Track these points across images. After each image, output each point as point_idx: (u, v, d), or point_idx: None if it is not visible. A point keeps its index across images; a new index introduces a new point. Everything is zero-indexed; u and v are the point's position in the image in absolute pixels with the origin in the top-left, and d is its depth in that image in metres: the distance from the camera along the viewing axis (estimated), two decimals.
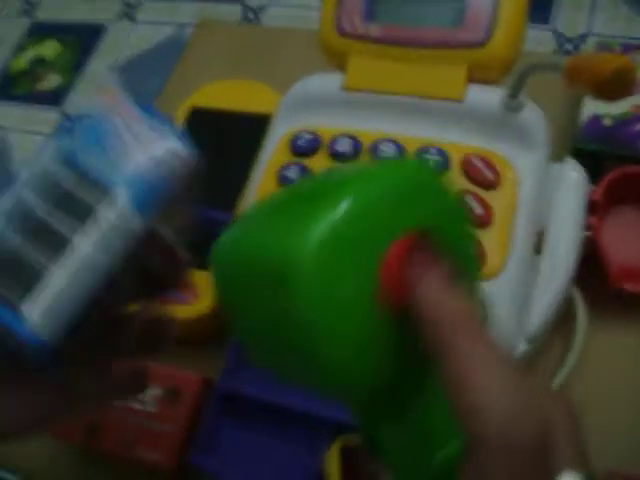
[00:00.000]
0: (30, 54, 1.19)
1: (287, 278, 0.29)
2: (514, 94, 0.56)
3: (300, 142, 0.61)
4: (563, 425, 0.30)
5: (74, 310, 0.34)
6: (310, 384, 0.34)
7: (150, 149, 0.34)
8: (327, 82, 0.63)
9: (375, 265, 0.30)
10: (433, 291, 0.30)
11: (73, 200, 0.34)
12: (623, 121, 0.64)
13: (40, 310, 0.33)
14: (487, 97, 0.58)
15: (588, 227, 0.58)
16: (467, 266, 0.35)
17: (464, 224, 0.35)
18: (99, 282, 0.34)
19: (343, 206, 0.30)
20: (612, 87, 0.44)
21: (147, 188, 0.34)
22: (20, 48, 1.20)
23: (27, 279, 0.33)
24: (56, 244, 0.33)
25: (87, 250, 0.33)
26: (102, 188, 0.34)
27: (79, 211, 0.33)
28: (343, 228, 0.30)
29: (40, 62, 1.17)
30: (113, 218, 0.33)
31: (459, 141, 0.58)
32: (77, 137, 0.35)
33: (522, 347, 0.55)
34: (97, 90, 0.39)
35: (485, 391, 0.27)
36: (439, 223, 0.33)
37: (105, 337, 0.42)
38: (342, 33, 0.62)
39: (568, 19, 0.88)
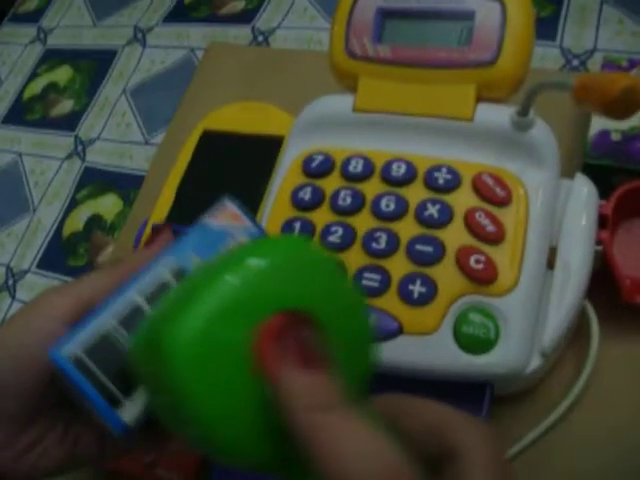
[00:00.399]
0: (44, 80, 1.21)
1: (164, 361, 0.31)
2: (523, 112, 0.57)
3: (313, 164, 0.62)
4: (476, 453, 0.31)
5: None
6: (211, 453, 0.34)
7: None
8: (338, 104, 0.64)
9: (249, 345, 0.32)
10: (286, 372, 0.31)
11: None
12: (632, 136, 0.64)
13: (135, 414, 0.38)
14: (496, 116, 0.59)
15: (599, 241, 0.59)
16: (357, 343, 0.36)
17: (353, 303, 0.36)
18: None
19: (218, 291, 0.32)
20: (620, 106, 0.44)
21: None
22: (34, 74, 1.22)
23: (130, 381, 0.38)
24: None
25: None
26: None
27: None
28: (216, 315, 0.32)
29: (53, 88, 1.19)
30: None
31: (470, 159, 0.59)
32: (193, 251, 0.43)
33: (536, 362, 0.55)
34: (217, 210, 0.42)
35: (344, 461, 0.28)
36: (321, 302, 0.34)
37: None
38: (352, 55, 0.63)
39: (575, 35, 0.89)
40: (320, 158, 0.62)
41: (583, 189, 0.60)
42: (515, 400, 0.61)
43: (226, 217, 0.46)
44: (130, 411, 0.38)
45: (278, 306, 0.33)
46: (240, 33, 1.10)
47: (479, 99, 0.60)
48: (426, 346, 0.54)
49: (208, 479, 0.61)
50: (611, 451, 0.58)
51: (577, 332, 0.61)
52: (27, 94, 1.21)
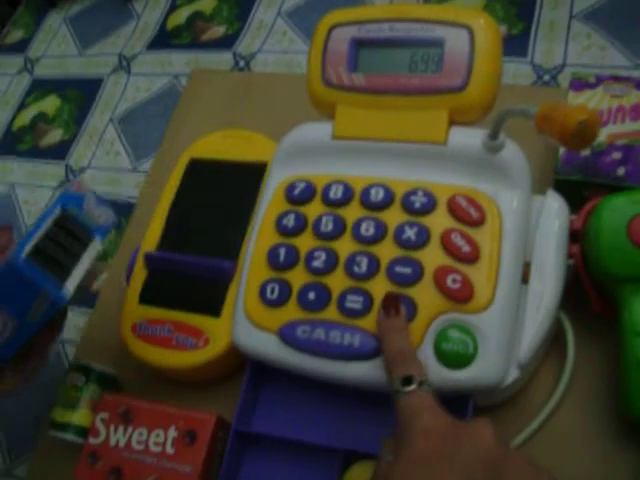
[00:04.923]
0: (32, 110, 1.23)
1: None
2: (493, 136, 0.59)
3: (295, 191, 0.65)
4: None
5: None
6: None
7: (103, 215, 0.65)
8: (318, 131, 0.67)
9: None
10: None
11: (75, 236, 0.62)
12: (600, 151, 0.67)
13: (72, 287, 0.59)
14: (469, 139, 0.61)
15: (571, 255, 0.61)
16: None
17: None
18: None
19: None
20: (577, 139, 0.47)
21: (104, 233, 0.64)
22: (22, 105, 1.25)
23: (64, 269, 0.60)
24: (73, 254, 0.61)
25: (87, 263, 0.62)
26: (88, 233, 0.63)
27: (79, 241, 0.62)
28: None
29: (42, 117, 1.21)
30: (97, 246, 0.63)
31: (444, 182, 0.61)
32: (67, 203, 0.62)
33: (514, 374, 0.58)
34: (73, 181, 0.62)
35: None
36: None
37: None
38: (328, 84, 0.66)
39: (545, 51, 0.91)
40: (302, 185, 0.65)
41: (554, 205, 0.63)
42: (497, 410, 0.63)
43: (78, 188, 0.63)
44: (69, 286, 0.59)
45: None
46: (222, 58, 1.12)
47: (452, 123, 0.62)
48: None
49: (216, 472, 0.64)
50: (590, 456, 0.60)
51: (555, 341, 0.64)
52: (17, 124, 1.23)
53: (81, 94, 1.21)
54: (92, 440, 0.66)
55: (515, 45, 0.94)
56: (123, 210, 0.99)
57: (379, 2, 1.04)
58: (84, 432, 0.68)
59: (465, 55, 0.61)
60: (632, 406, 0.57)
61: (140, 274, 0.74)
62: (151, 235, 0.76)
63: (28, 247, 0.57)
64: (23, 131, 1.22)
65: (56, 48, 1.31)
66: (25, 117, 1.23)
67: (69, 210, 0.62)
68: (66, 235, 0.61)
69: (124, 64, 1.21)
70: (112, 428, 0.66)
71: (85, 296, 0.95)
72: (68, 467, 0.68)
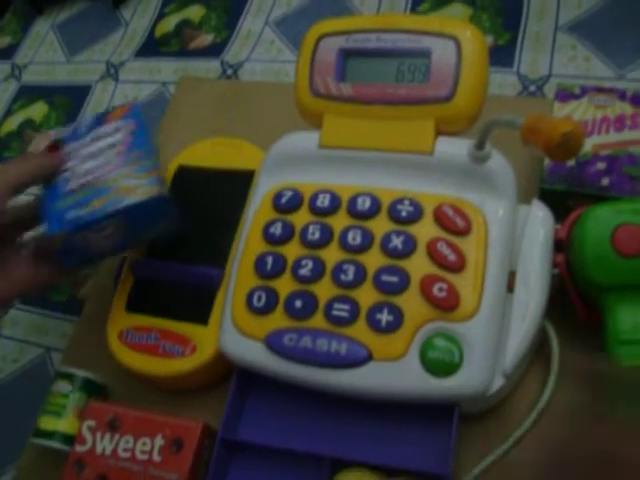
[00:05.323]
0: (19, 117, 1.23)
1: None
2: (479, 146, 0.60)
3: (282, 199, 0.65)
4: None
5: None
6: None
7: None
8: (305, 140, 0.67)
9: None
10: None
11: None
12: (585, 161, 0.68)
13: None
14: (455, 149, 0.62)
15: (556, 264, 0.62)
16: None
17: None
18: None
19: None
20: (561, 150, 0.47)
21: None
22: (9, 111, 1.25)
23: None
24: None
25: None
26: None
27: None
28: None
29: (29, 124, 1.21)
30: None
31: (431, 191, 0.62)
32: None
33: (499, 382, 0.58)
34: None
35: None
36: None
37: None
38: (316, 94, 0.66)
39: (530, 61, 0.92)
40: (289, 194, 0.65)
41: (539, 214, 0.63)
42: (482, 417, 0.63)
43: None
44: None
45: None
46: (210, 66, 1.13)
47: (438, 133, 0.63)
48: (395, 371, 0.57)
49: (212, 443, 0.64)
50: (575, 463, 0.61)
51: (539, 350, 0.64)
52: (4, 131, 1.23)
53: (69, 101, 1.21)
54: (78, 448, 0.66)
55: (501, 55, 0.95)
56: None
57: (367, 12, 1.05)
58: (70, 440, 0.68)
59: (452, 66, 0.62)
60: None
61: (127, 282, 0.74)
62: None
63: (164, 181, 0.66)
64: (10, 137, 1.21)
65: (44, 55, 1.31)
66: (12, 123, 1.23)
67: None
68: None
69: (112, 71, 1.22)
70: (98, 436, 0.66)
71: (72, 303, 0.95)
72: (54, 475, 0.68)
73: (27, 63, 1.32)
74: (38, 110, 1.23)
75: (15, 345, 0.95)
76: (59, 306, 0.96)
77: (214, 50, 1.15)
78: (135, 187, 0.64)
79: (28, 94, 1.26)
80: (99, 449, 0.65)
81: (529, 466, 0.61)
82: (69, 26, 1.34)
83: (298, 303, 0.60)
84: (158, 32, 1.23)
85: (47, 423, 0.70)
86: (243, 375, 0.65)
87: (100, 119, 0.72)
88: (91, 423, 0.67)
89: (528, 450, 0.62)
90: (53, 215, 0.64)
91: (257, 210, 0.67)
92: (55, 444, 0.69)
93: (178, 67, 1.15)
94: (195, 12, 1.22)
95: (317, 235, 0.62)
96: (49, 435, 0.69)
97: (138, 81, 1.17)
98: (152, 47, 1.21)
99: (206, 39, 1.17)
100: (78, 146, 0.70)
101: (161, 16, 1.25)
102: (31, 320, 0.97)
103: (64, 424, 0.69)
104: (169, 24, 1.23)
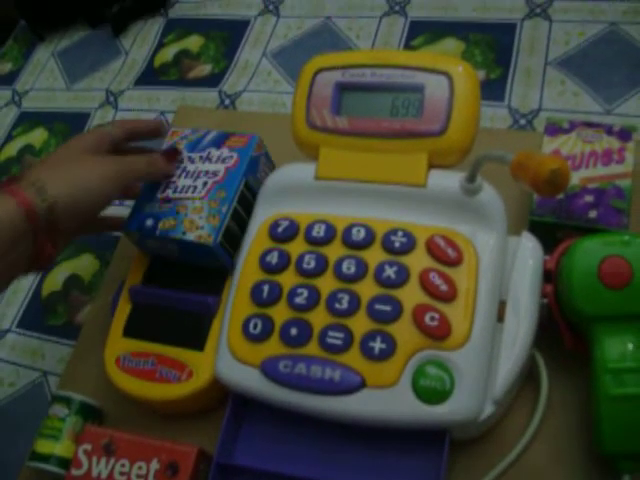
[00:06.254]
0: (19, 142, 1.25)
1: None
2: (471, 179, 0.62)
3: (279, 229, 0.67)
4: None
5: None
6: None
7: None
8: (301, 172, 0.69)
9: None
10: None
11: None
12: (573, 194, 0.69)
13: None
14: (447, 181, 0.64)
15: (544, 294, 0.63)
16: None
17: None
18: None
19: None
20: (548, 186, 0.49)
21: None
22: (9, 137, 1.26)
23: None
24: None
25: None
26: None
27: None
28: None
29: (29, 150, 1.22)
30: None
31: (423, 223, 0.63)
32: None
33: (489, 409, 0.59)
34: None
35: None
36: None
37: None
38: (312, 127, 0.68)
39: (521, 96, 0.94)
40: (285, 223, 0.67)
41: (529, 245, 0.65)
42: (473, 444, 0.65)
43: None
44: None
45: None
46: (208, 96, 1.15)
47: (431, 166, 0.65)
48: (387, 398, 0.58)
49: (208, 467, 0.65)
50: None
51: (529, 379, 0.66)
52: (3, 156, 1.24)
53: (68, 128, 1.23)
54: (74, 472, 0.67)
55: (493, 89, 0.97)
56: (108, 244, 1.00)
57: (362, 45, 1.07)
58: (66, 463, 0.69)
59: (444, 101, 0.64)
60: (604, 442, 0.58)
61: (125, 307, 0.75)
62: (136, 268, 0.77)
63: (221, 231, 0.69)
64: (10, 162, 1.23)
65: (44, 82, 1.32)
66: (12, 149, 1.25)
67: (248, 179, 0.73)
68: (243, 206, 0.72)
69: (111, 99, 1.23)
70: (94, 460, 0.67)
71: (68, 328, 0.96)
72: None
73: (28, 90, 1.33)
74: (38, 136, 1.24)
75: (12, 369, 0.96)
76: (55, 330, 0.97)
77: (212, 80, 1.17)
78: (197, 227, 0.70)
79: (28, 120, 1.28)
80: (95, 473, 0.66)
81: None
82: (70, 54, 1.36)
83: (293, 331, 0.61)
84: (157, 61, 1.25)
85: (43, 446, 0.70)
86: (238, 400, 0.66)
87: (223, 139, 0.77)
88: (87, 447, 0.68)
89: (516, 477, 0.63)
90: (137, 214, 0.73)
91: (254, 239, 0.68)
92: (51, 467, 0.69)
93: (177, 96, 1.17)
94: (194, 42, 1.24)
95: (312, 264, 0.63)
96: (45, 458, 0.70)
97: (137, 109, 1.18)
98: (151, 76, 1.23)
99: (204, 69, 1.19)
100: (193, 157, 0.76)
101: (160, 46, 1.27)
102: (28, 344, 0.98)
103: (60, 448, 0.70)
104: (168, 54, 1.25)
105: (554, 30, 1.00)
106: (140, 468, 0.66)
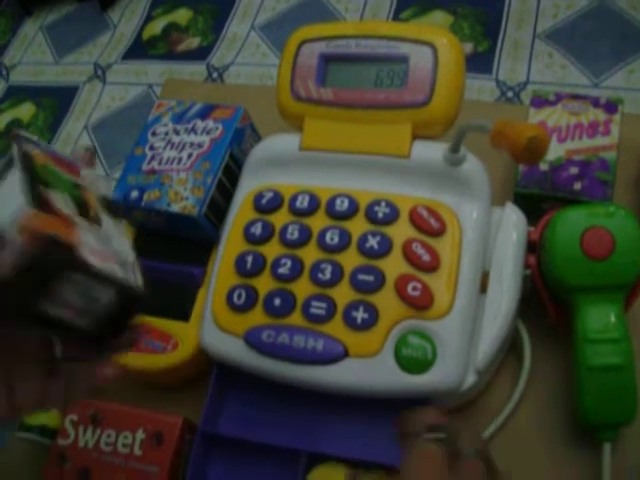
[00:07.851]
0: (7, 117, 1.24)
1: None
2: (454, 149, 0.62)
3: (263, 200, 0.67)
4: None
5: None
6: None
7: None
8: (286, 143, 0.69)
9: None
10: None
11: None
12: (558, 165, 0.69)
13: None
14: (431, 152, 0.64)
15: (528, 265, 0.64)
16: None
17: None
18: None
19: None
20: (526, 154, 0.49)
21: None
22: None
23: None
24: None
25: None
26: None
27: None
28: None
29: (17, 124, 1.22)
30: None
31: (407, 193, 0.63)
32: None
33: (471, 379, 0.60)
34: None
35: None
36: None
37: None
38: (297, 98, 0.68)
39: (509, 68, 0.94)
40: (269, 194, 0.67)
41: (512, 217, 0.65)
42: (456, 413, 0.65)
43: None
44: None
45: None
46: (196, 70, 1.14)
47: (415, 137, 0.64)
48: (370, 368, 0.58)
49: (183, 473, 0.65)
50: (545, 458, 0.63)
51: (512, 349, 0.66)
52: None
53: (56, 102, 1.22)
54: (61, 441, 0.67)
55: (481, 62, 0.96)
56: None
57: (350, 18, 1.07)
58: (49, 433, 0.69)
59: (428, 72, 0.63)
60: (584, 412, 0.59)
61: None
62: None
63: (206, 203, 0.69)
64: None
65: (32, 56, 1.32)
66: (0, 123, 1.24)
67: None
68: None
69: (99, 73, 1.23)
70: (81, 430, 0.67)
71: None
72: (37, 468, 0.69)
73: (15, 64, 1.33)
74: (26, 110, 1.24)
75: None
76: None
77: (200, 53, 1.17)
78: (182, 198, 0.70)
79: (16, 94, 1.27)
80: (81, 443, 0.67)
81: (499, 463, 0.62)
82: (57, 28, 1.35)
83: (277, 301, 0.62)
84: (145, 35, 1.24)
85: (30, 417, 0.71)
86: (223, 371, 0.67)
87: (208, 110, 0.76)
88: (74, 417, 0.68)
89: (499, 445, 0.63)
90: (123, 185, 0.73)
91: (238, 210, 0.68)
92: (38, 437, 0.70)
93: (165, 70, 1.17)
94: (182, 16, 1.24)
95: (296, 235, 0.64)
96: (32, 428, 0.70)
97: (125, 83, 1.18)
98: (139, 50, 1.22)
99: (193, 42, 1.19)
100: (178, 128, 0.75)
101: (149, 19, 1.26)
102: None
103: (47, 418, 0.71)
104: (156, 27, 1.24)
105: (543, 2, 1.00)
106: (126, 438, 0.66)
